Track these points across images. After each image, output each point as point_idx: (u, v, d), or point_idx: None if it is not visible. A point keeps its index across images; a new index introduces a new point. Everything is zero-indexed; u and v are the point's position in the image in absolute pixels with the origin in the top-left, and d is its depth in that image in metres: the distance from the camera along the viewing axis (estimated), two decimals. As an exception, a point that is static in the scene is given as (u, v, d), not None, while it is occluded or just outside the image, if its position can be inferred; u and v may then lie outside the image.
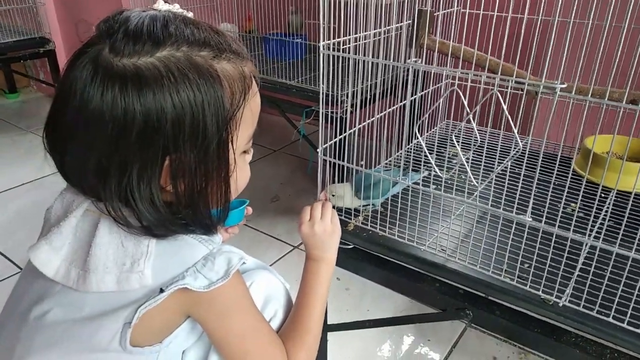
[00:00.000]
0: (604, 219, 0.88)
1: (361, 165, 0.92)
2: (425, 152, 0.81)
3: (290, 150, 2.42)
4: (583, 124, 0.68)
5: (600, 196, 0.74)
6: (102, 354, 0.56)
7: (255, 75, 0.59)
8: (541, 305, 0.74)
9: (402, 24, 0.99)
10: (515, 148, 0.92)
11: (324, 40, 0.85)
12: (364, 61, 0.89)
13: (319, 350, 1.09)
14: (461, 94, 0.74)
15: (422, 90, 1.20)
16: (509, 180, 0.82)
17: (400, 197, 0.91)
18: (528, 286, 0.76)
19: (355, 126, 0.95)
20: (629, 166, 1.02)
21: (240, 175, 0.61)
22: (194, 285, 0.55)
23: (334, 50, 0.86)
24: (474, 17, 1.02)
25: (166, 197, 0.55)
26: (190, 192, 0.55)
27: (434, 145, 1.22)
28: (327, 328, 1.05)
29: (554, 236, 0.74)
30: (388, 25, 0.97)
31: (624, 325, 0.68)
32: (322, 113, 0.91)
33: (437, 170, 0.78)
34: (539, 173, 0.71)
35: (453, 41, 1.07)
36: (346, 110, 1.45)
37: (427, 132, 1.30)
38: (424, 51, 0.90)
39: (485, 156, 0.97)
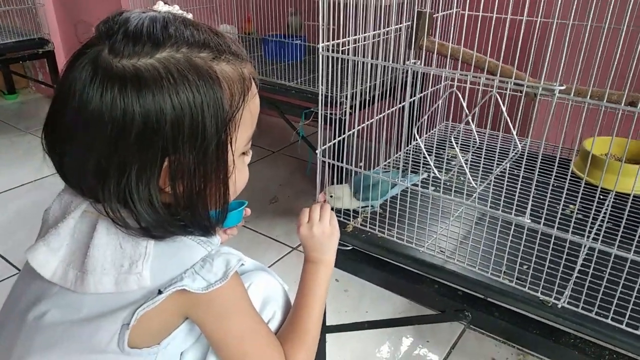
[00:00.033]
0: (602, 221, 0.88)
1: (360, 167, 0.92)
2: (424, 154, 0.81)
3: (289, 152, 2.42)
4: (582, 125, 0.68)
5: (599, 198, 0.75)
6: (100, 355, 0.56)
7: (254, 77, 0.59)
8: (540, 307, 0.74)
9: (401, 25, 0.99)
10: (514, 150, 0.92)
11: (323, 42, 0.85)
12: (363, 63, 0.89)
13: (318, 352, 1.08)
14: (460, 95, 0.74)
15: (421, 92, 1.20)
16: (507, 181, 0.82)
17: (399, 199, 0.91)
18: (527, 287, 0.76)
19: (354, 128, 0.95)
20: (627, 168, 1.02)
21: (239, 177, 0.61)
22: (192, 286, 0.55)
23: (333, 51, 0.86)
24: (473, 18, 1.02)
25: (165, 198, 0.55)
26: (189, 193, 0.55)
27: (433, 146, 1.22)
28: (326, 329, 1.05)
29: (553, 238, 0.74)
30: (387, 27, 0.97)
31: (623, 326, 0.69)
32: (321, 114, 0.91)
33: (436, 172, 0.78)
34: (538, 175, 0.71)
35: (452, 43, 1.07)
36: (345, 111, 1.45)
37: (426, 133, 1.30)
38: (423, 53, 0.91)
39: (484, 158, 0.97)
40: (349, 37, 0.90)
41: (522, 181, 0.76)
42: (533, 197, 0.72)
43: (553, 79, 0.67)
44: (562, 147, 1.10)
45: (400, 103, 0.99)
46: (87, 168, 0.53)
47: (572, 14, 0.63)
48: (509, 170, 1.01)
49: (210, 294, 0.56)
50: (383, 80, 1.52)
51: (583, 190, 0.73)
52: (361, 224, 0.94)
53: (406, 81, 0.87)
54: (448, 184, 1.05)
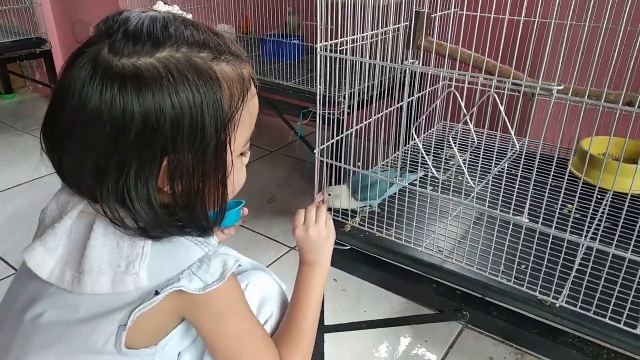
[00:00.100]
0: (600, 221, 0.88)
1: (358, 167, 0.92)
2: (422, 154, 0.81)
3: (287, 152, 2.42)
4: (580, 125, 0.68)
5: (597, 198, 0.75)
6: (98, 356, 0.56)
7: (253, 78, 0.59)
8: (538, 306, 0.75)
9: (399, 25, 0.99)
10: (512, 150, 0.92)
11: (321, 42, 0.85)
12: (361, 63, 0.89)
13: (316, 352, 1.09)
14: (458, 95, 0.74)
15: (420, 92, 1.20)
16: (506, 181, 0.82)
17: (398, 199, 0.91)
18: (525, 287, 0.76)
19: (352, 128, 0.95)
20: (625, 168, 1.02)
21: (237, 177, 0.61)
22: (190, 287, 0.54)
23: (331, 51, 0.86)
24: (471, 19, 1.02)
25: (163, 198, 0.55)
26: (188, 193, 0.55)
27: (431, 146, 1.22)
28: (324, 329, 1.05)
29: (551, 237, 0.74)
30: (385, 27, 0.97)
31: (621, 326, 0.69)
32: (320, 114, 0.91)
33: (435, 172, 0.78)
34: (536, 175, 0.71)
35: (450, 43, 1.07)
36: (343, 111, 1.45)
37: (425, 133, 1.31)
38: (422, 53, 0.91)
39: (483, 158, 0.97)
40: (347, 37, 0.90)
41: (520, 181, 0.76)
42: (531, 197, 0.72)
43: (551, 79, 0.67)
44: (560, 147, 1.10)
45: (398, 103, 0.99)
46: (86, 167, 0.52)
47: (570, 14, 0.64)
48: (507, 170, 1.01)
49: (207, 295, 0.55)
50: (381, 81, 1.52)
51: (581, 190, 0.73)
52: (359, 224, 0.94)
53: (404, 81, 0.87)
54: (446, 183, 1.06)
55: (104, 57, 0.51)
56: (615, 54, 0.62)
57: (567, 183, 0.72)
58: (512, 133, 0.71)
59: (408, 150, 1.20)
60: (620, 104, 0.65)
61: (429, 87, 1.22)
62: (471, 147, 1.13)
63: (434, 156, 1.19)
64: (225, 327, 0.60)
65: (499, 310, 0.81)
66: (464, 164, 0.81)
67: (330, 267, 0.80)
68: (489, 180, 0.84)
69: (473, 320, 0.83)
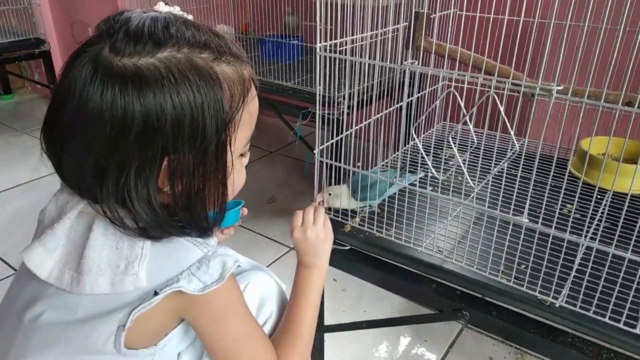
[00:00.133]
0: (600, 220, 0.88)
1: (358, 167, 0.92)
2: (422, 154, 0.81)
3: (286, 152, 2.42)
4: (579, 125, 0.68)
5: (597, 198, 0.75)
6: (97, 356, 0.56)
7: (254, 79, 0.59)
8: (538, 306, 0.75)
9: (398, 25, 0.99)
10: (511, 150, 0.92)
11: (320, 42, 0.85)
12: (360, 63, 0.89)
13: (316, 352, 1.09)
14: (458, 95, 0.74)
15: (419, 92, 1.20)
16: (505, 181, 0.82)
17: (397, 199, 0.91)
18: (525, 287, 0.76)
19: (351, 128, 0.95)
20: (625, 168, 1.02)
21: (237, 178, 0.61)
22: (189, 288, 0.54)
23: (330, 51, 0.86)
24: (470, 19, 1.02)
25: (163, 198, 0.55)
26: (188, 193, 0.55)
27: (430, 146, 1.22)
28: (324, 329, 1.05)
29: (551, 237, 0.74)
30: (385, 27, 0.97)
31: (620, 325, 0.69)
32: (319, 115, 0.91)
33: (434, 172, 0.78)
34: (536, 174, 0.71)
35: (450, 43, 1.07)
36: (343, 111, 1.45)
37: (424, 133, 1.31)
38: (421, 53, 0.91)
39: (482, 158, 0.97)
40: (346, 37, 0.90)
41: (519, 181, 0.76)
42: (531, 196, 0.72)
43: (550, 79, 0.67)
44: (560, 147, 1.10)
45: (397, 103, 0.99)
46: (86, 167, 0.52)
47: (569, 14, 0.64)
48: (507, 170, 1.01)
49: (206, 296, 0.55)
50: (380, 81, 1.52)
51: (580, 189, 0.73)
52: (359, 224, 0.94)
53: (404, 81, 0.87)
54: (446, 183, 1.06)
55: (104, 57, 0.50)
56: (615, 54, 0.62)
57: (566, 183, 0.72)
58: (512, 133, 0.71)
59: (407, 150, 1.20)
60: (620, 104, 0.65)
61: (429, 87, 1.22)
62: (471, 147, 1.13)
63: (433, 156, 1.19)
64: (224, 328, 0.60)
65: (498, 310, 0.81)
66: (464, 164, 0.82)
67: (330, 267, 0.80)
68: (488, 180, 0.84)
69: (472, 319, 0.83)
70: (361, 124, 0.96)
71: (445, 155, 1.20)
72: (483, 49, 0.79)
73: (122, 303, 0.55)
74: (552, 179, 0.74)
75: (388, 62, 0.89)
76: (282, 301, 0.75)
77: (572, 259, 0.79)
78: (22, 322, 0.58)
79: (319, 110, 0.91)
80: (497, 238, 0.79)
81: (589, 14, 0.65)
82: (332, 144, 0.93)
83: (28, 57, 2.68)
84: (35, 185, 2.08)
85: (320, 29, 0.84)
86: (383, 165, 1.13)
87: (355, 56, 0.89)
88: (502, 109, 0.69)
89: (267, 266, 1.03)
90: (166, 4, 0.57)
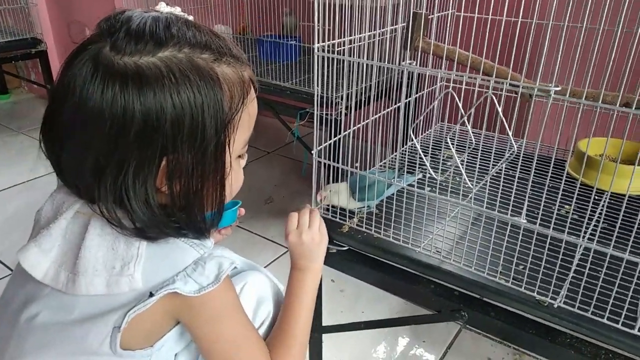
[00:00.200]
0: (598, 221, 0.88)
1: (356, 167, 0.92)
2: (420, 154, 0.81)
3: (284, 152, 2.42)
4: (577, 126, 0.68)
5: (594, 198, 0.75)
6: (93, 357, 0.56)
7: (253, 81, 0.59)
8: (536, 307, 0.75)
9: (396, 26, 0.99)
10: (509, 150, 0.92)
11: (318, 42, 0.84)
12: (358, 63, 0.89)
13: (314, 352, 1.09)
14: (456, 96, 0.74)
15: (417, 93, 1.20)
16: (503, 182, 0.82)
17: (395, 199, 0.91)
18: (523, 287, 0.76)
19: (349, 128, 0.95)
20: (622, 169, 1.02)
21: (235, 179, 0.61)
22: (184, 289, 0.54)
23: (328, 52, 0.86)
24: (468, 20, 1.02)
25: (161, 198, 0.55)
26: (186, 193, 0.55)
27: (428, 147, 1.22)
28: (322, 330, 1.05)
29: (549, 238, 0.74)
30: (383, 28, 0.97)
31: (619, 326, 0.69)
32: (317, 115, 0.91)
33: (432, 172, 0.78)
34: (534, 175, 0.71)
35: (447, 44, 1.07)
36: (341, 112, 1.45)
37: (422, 134, 1.31)
38: (419, 54, 0.91)
39: (480, 158, 0.97)
40: (344, 37, 0.90)
41: (517, 182, 0.76)
42: (529, 197, 0.72)
43: (548, 80, 0.67)
44: (557, 148, 1.11)
45: (395, 104, 0.99)
46: (85, 166, 0.52)
47: (567, 15, 0.64)
48: (505, 170, 1.02)
49: (202, 297, 0.55)
50: (378, 81, 1.52)
51: (578, 190, 0.74)
52: (357, 224, 0.94)
53: (402, 82, 0.87)
54: (444, 184, 1.06)
55: (105, 55, 0.50)
56: (612, 55, 0.62)
57: (564, 184, 0.72)
58: (510, 134, 0.71)
59: (405, 151, 1.20)
60: (617, 105, 0.65)
61: (427, 88, 1.22)
62: (469, 147, 1.13)
63: (431, 157, 1.19)
64: (219, 330, 0.60)
65: (496, 311, 0.81)
66: (462, 164, 0.82)
67: (328, 268, 0.79)
68: (486, 181, 0.84)
69: (471, 320, 0.83)
70: (359, 125, 0.96)
71: (443, 156, 1.20)
72: (481, 49, 0.79)
73: (118, 304, 0.54)
74: (550, 179, 0.74)
75: (386, 63, 0.89)
76: (279, 301, 0.75)
77: (570, 259, 0.79)
78: (18, 322, 0.57)
79: (317, 110, 0.91)
80: (495, 239, 0.79)
81: (586, 15, 0.65)
82: (330, 144, 0.92)
83: (25, 57, 2.67)
84: (32, 185, 2.07)
85: (318, 29, 0.83)
86: (381, 165, 1.13)
87: (353, 56, 0.89)
88: (500, 109, 0.69)
89: (264, 267, 1.02)
90: (167, 4, 0.57)
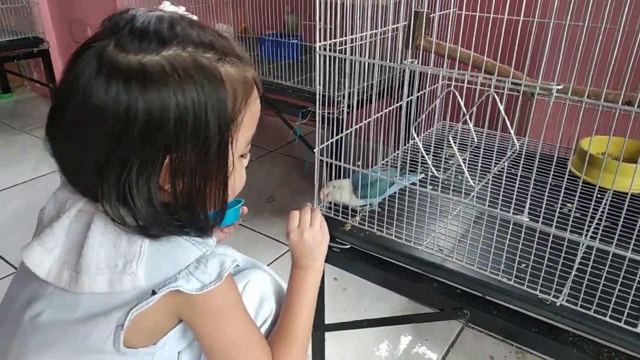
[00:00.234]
0: (600, 219, 0.88)
1: (358, 166, 0.92)
2: (422, 153, 0.81)
3: (286, 151, 2.42)
4: (579, 125, 0.68)
5: (597, 197, 0.75)
6: (97, 355, 0.56)
7: (257, 81, 0.59)
8: (538, 305, 0.75)
9: (398, 25, 0.99)
10: (511, 149, 0.92)
11: (320, 41, 0.84)
12: (360, 62, 0.89)
13: (317, 351, 1.09)
14: (457, 94, 0.74)
15: (419, 91, 1.20)
16: (505, 180, 0.82)
17: (398, 198, 0.91)
18: (525, 286, 0.76)
19: (351, 127, 0.95)
20: (625, 167, 1.02)
21: (237, 178, 0.61)
22: (187, 287, 0.55)
23: (330, 50, 0.86)
24: (469, 18, 1.02)
25: (164, 197, 0.55)
26: (189, 192, 0.55)
27: (430, 145, 1.22)
28: (325, 328, 1.05)
29: (551, 236, 0.74)
30: (384, 27, 0.97)
31: (621, 324, 0.69)
32: (319, 114, 0.91)
33: (434, 171, 0.78)
34: (536, 174, 0.71)
35: (449, 42, 1.07)
36: (342, 110, 1.45)
37: (424, 132, 1.31)
38: (421, 52, 0.90)
39: (482, 157, 0.97)
40: (345, 36, 0.90)
41: (520, 180, 0.76)
42: (531, 196, 0.72)
43: (550, 78, 0.67)
44: (560, 147, 1.10)
45: (397, 102, 0.99)
46: (88, 163, 0.53)
47: (569, 14, 0.64)
48: (507, 169, 1.01)
49: (204, 295, 0.55)
50: (380, 80, 1.52)
51: (580, 189, 0.74)
52: (359, 223, 0.94)
53: (403, 80, 0.87)
54: (446, 182, 1.06)
55: (109, 53, 0.50)
56: (614, 54, 0.62)
57: (566, 182, 0.72)
58: (512, 132, 0.71)
59: (407, 150, 1.20)
60: (620, 103, 0.65)
61: (428, 87, 1.22)
62: (471, 146, 1.13)
63: (433, 155, 1.19)
64: (221, 328, 0.60)
65: (499, 309, 0.81)
66: (464, 163, 0.82)
67: (330, 266, 0.80)
68: (488, 180, 0.84)
69: (473, 318, 0.83)
70: (361, 123, 0.96)
71: (445, 155, 1.20)
72: (483, 48, 0.79)
73: (120, 302, 0.55)
74: (552, 178, 0.74)
75: (388, 61, 0.89)
76: (282, 299, 0.75)
77: (572, 258, 0.79)
78: (21, 321, 0.58)
79: (319, 109, 0.91)
80: (498, 237, 0.79)
81: (588, 13, 0.65)
82: (332, 143, 0.93)
83: (27, 56, 2.68)
84: (35, 184, 2.08)
85: (320, 28, 0.83)
86: (383, 164, 1.13)
87: (355, 55, 0.89)
88: (502, 108, 0.69)
89: (267, 265, 1.03)
90: (171, 3, 0.57)
